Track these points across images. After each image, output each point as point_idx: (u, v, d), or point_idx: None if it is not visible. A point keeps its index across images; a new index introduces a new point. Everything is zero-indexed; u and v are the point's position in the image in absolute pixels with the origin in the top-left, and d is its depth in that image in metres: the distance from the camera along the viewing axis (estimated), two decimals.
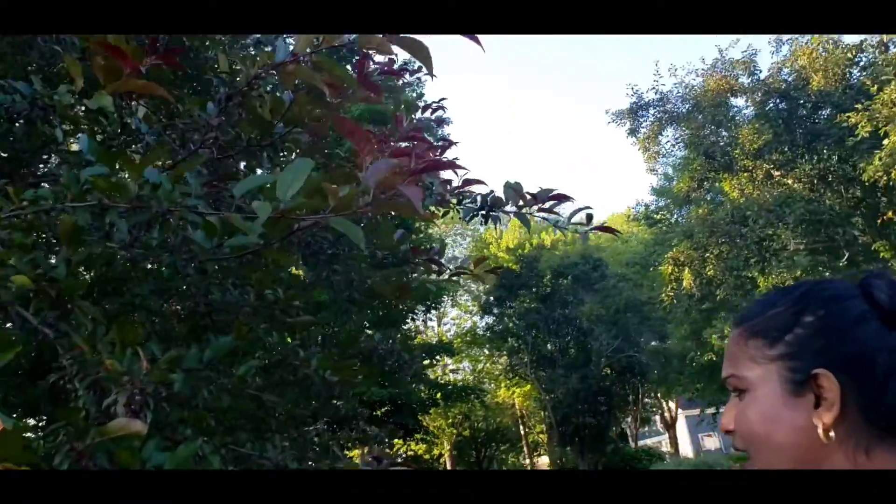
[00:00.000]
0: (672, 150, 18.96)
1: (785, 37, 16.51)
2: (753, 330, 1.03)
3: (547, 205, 2.88)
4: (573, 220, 2.95)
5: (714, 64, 17.38)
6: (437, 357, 24.17)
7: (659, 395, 32.40)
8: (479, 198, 3.23)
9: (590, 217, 2.90)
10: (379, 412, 18.23)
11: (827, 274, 15.73)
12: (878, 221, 15.27)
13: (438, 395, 23.04)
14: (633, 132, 18.22)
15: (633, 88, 18.11)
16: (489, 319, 29.74)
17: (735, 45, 21.81)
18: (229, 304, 2.31)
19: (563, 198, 2.83)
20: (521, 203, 2.92)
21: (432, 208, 3.65)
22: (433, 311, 26.38)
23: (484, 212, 3.23)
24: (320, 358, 2.38)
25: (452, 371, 33.78)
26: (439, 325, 37.57)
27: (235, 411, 3.74)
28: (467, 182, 3.13)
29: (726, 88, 16.93)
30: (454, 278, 3.41)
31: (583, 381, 24.69)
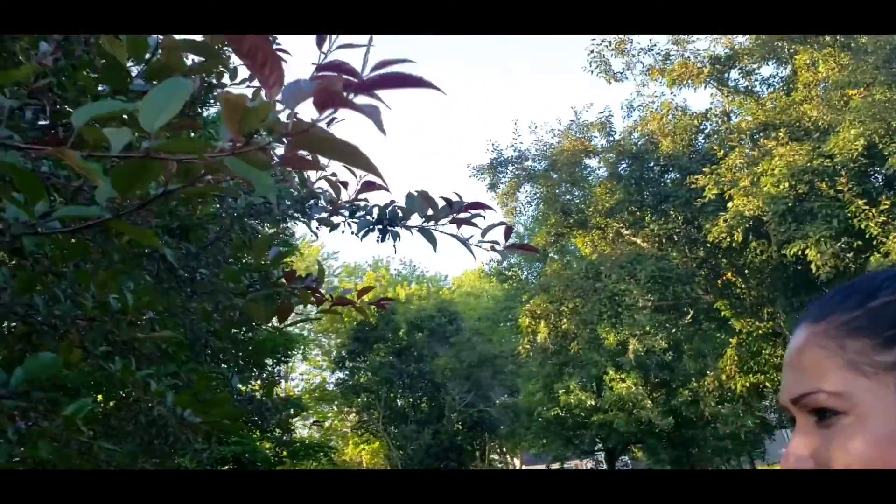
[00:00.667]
0: (528, 207, 19.34)
1: (636, 102, 17.41)
2: (851, 327, 0.70)
3: (462, 216, 2.49)
4: (486, 237, 2.58)
5: (569, 126, 18.02)
6: (286, 413, 23.03)
7: (504, 450, 32.54)
8: (375, 210, 2.79)
9: (509, 230, 2.53)
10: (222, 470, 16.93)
11: (674, 332, 16.37)
12: (719, 282, 16.12)
13: (284, 452, 21.89)
14: (492, 187, 18.43)
15: (493, 144, 18.42)
16: (341, 374, 28.95)
17: (589, 109, 22.82)
18: (58, 318, 1.72)
19: (483, 207, 2.44)
20: (430, 213, 2.50)
21: (315, 225, 3.15)
22: (282, 366, 25.28)
23: (381, 226, 2.79)
24: (178, 394, 1.82)
25: (301, 428, 32.41)
26: (287, 381, 36.13)
27: (59, 465, 3.02)
28: (368, 186, 2.67)
29: (581, 149, 17.52)
30: (335, 308, 2.93)
31: (435, 436, 24.33)
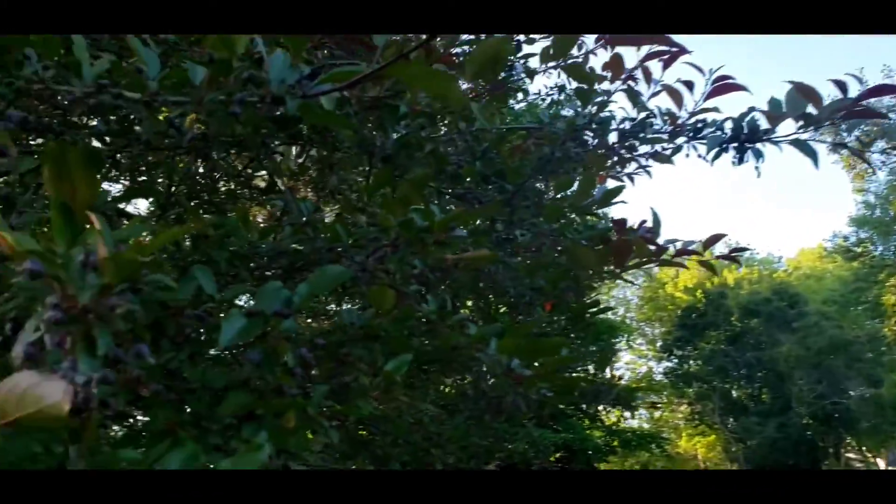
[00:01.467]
0: (883, 169, 16.62)
1: None
2: None
3: (859, 109, 1.82)
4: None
5: None
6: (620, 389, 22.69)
7: (865, 448, 28.76)
8: (728, 123, 2.18)
9: None
10: (553, 458, 17.08)
11: None
12: None
13: (615, 442, 21.49)
14: (834, 147, 16.17)
15: (832, 96, 16.17)
16: (669, 363, 27.82)
17: None
18: (359, 246, 1.44)
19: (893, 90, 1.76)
20: (810, 111, 1.86)
21: (645, 160, 2.63)
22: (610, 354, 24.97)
23: (738, 143, 2.17)
24: (503, 339, 1.43)
25: (630, 419, 31.83)
26: (612, 370, 35.71)
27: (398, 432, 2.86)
28: (720, 86, 2.08)
29: None
30: (680, 259, 2.40)
31: (780, 429, 22.18)
